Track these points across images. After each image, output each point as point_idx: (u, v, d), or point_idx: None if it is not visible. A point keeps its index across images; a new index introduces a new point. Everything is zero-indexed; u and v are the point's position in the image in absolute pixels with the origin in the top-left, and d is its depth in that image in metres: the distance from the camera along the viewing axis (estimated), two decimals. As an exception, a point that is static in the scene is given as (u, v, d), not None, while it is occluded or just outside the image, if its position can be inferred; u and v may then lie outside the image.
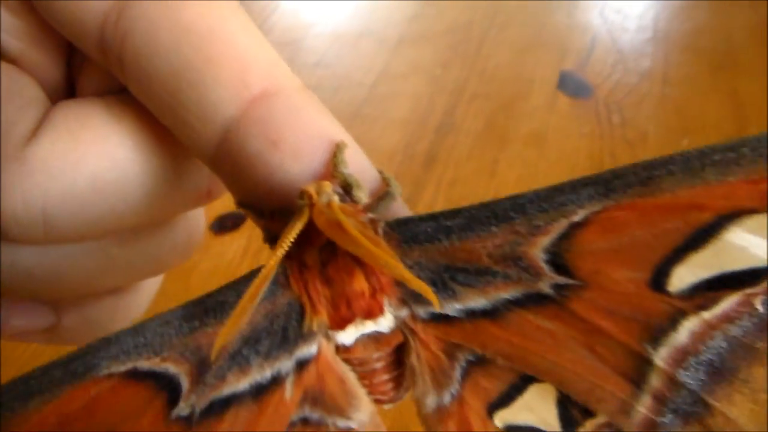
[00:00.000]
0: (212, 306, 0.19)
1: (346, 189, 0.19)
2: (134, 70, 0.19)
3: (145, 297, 0.27)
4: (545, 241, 0.18)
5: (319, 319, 0.19)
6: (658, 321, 0.19)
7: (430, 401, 0.21)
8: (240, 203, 0.21)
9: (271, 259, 0.17)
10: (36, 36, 0.21)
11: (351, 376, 0.21)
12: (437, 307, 0.18)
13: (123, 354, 0.18)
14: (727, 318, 0.19)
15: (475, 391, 0.21)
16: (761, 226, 0.18)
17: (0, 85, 0.20)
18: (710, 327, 0.19)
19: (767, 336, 0.19)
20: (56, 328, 0.25)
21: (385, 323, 0.20)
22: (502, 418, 0.22)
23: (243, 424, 0.19)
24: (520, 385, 0.21)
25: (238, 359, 0.19)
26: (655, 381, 0.20)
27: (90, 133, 0.20)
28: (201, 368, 0.19)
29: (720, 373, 0.20)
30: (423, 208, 0.69)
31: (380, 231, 0.19)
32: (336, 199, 0.17)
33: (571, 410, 0.22)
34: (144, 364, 0.18)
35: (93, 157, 0.20)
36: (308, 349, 0.20)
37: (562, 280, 0.19)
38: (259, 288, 0.17)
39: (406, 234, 0.19)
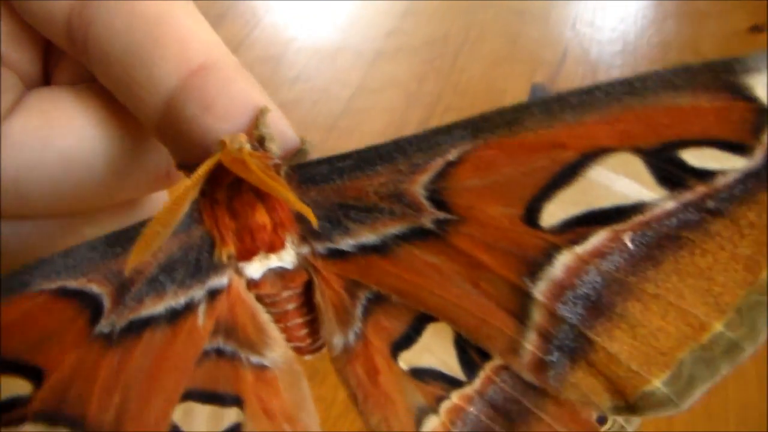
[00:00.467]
0: (135, 235, 0.20)
1: (261, 142, 0.21)
2: (96, 54, 0.22)
3: None
4: (424, 178, 0.20)
5: (228, 250, 0.21)
6: (534, 255, 0.21)
7: (337, 341, 0.23)
8: (179, 165, 0.23)
9: (182, 189, 0.18)
10: (15, 36, 0.23)
11: (263, 313, 0.23)
12: (314, 224, 0.20)
13: (54, 273, 0.20)
14: (599, 253, 0.21)
15: (377, 330, 0.23)
16: (622, 164, 0.20)
17: None
18: (583, 261, 0.21)
19: (638, 271, 0.21)
20: None
21: (287, 258, 0.21)
22: (406, 360, 0.23)
23: (158, 345, 0.21)
24: (419, 325, 0.23)
25: (155, 285, 0.21)
26: (537, 316, 0.21)
27: (59, 113, 0.23)
28: (122, 291, 0.21)
29: (597, 307, 0.21)
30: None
31: (282, 173, 0.21)
32: (247, 146, 0.19)
33: (469, 352, 0.23)
34: (72, 283, 0.20)
35: (61, 135, 0.22)
36: (219, 280, 0.21)
37: (441, 215, 0.20)
38: (172, 213, 0.19)
39: (305, 175, 0.21)
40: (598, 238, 0.20)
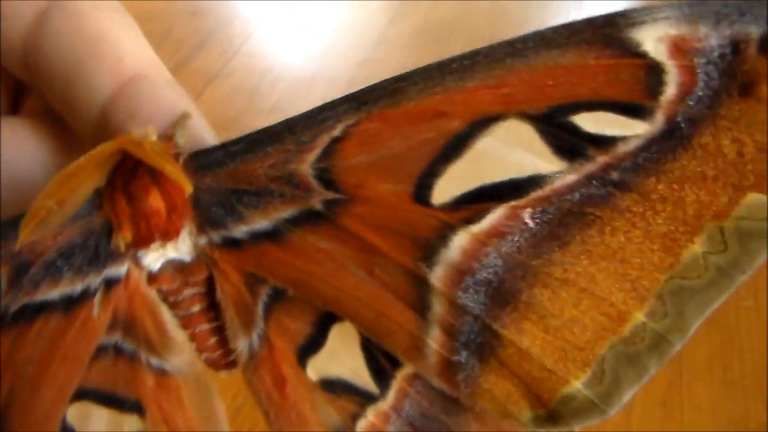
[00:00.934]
0: None
1: (171, 138, 0.21)
2: (45, 74, 0.23)
3: None
4: (311, 157, 0.19)
5: (125, 237, 0.20)
6: (428, 236, 0.19)
7: (242, 345, 0.22)
8: None
9: (74, 165, 0.19)
10: None
11: (167, 314, 0.22)
12: (187, 189, 0.19)
13: None
14: (497, 232, 0.19)
15: (280, 331, 0.21)
16: (512, 133, 0.19)
17: None
18: (480, 242, 0.19)
19: (542, 252, 0.19)
20: None
21: (184, 248, 0.21)
22: (315, 368, 0.22)
23: (52, 332, 0.20)
24: (323, 326, 0.21)
25: (52, 269, 0.20)
26: (437, 307, 0.20)
27: (14, 139, 0.24)
28: (19, 272, 0.20)
29: (501, 295, 0.19)
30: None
31: (180, 160, 0.21)
32: (154, 137, 0.20)
33: (377, 358, 0.22)
34: None
35: (14, 159, 0.23)
36: (117, 269, 0.21)
37: (329, 195, 0.19)
38: (61, 187, 0.19)
39: (201, 162, 0.21)
40: (495, 216, 0.19)
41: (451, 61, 0.19)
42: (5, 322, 0.20)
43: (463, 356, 0.20)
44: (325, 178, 0.19)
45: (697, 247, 0.19)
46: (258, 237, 0.20)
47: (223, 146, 0.21)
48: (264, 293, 0.21)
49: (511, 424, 0.21)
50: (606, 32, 0.18)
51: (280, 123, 0.20)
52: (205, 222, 0.21)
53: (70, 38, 0.22)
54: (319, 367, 0.22)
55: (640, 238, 0.19)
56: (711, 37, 0.17)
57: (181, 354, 0.22)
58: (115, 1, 0.24)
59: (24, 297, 0.20)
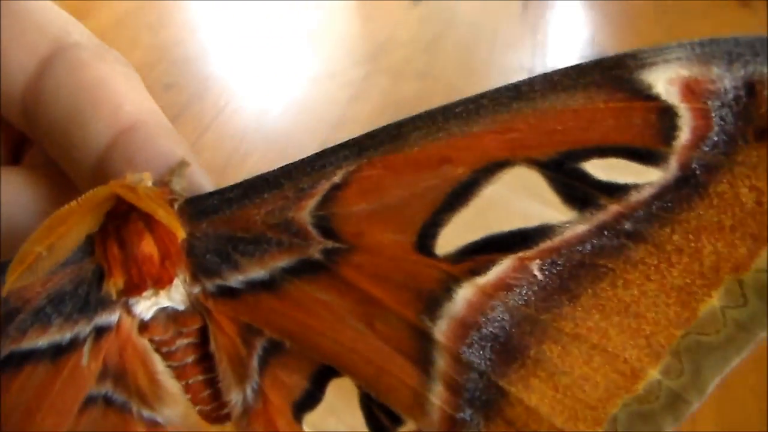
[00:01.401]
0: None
1: (167, 184, 0.21)
2: (44, 124, 0.23)
3: None
4: (311, 204, 0.19)
5: (116, 283, 0.20)
6: (431, 288, 0.18)
7: (235, 398, 0.21)
8: None
9: (65, 210, 0.18)
10: None
11: (160, 364, 0.21)
12: (179, 234, 0.18)
13: None
14: (504, 285, 0.18)
15: (276, 385, 0.20)
16: (520, 180, 0.18)
17: None
18: (487, 295, 0.18)
19: (552, 306, 0.18)
20: None
21: (177, 297, 0.20)
22: (311, 424, 0.21)
23: (39, 381, 0.19)
24: (321, 380, 0.20)
25: (40, 316, 0.19)
26: (441, 362, 0.19)
27: (9, 188, 0.24)
28: (6, 319, 0.19)
29: (508, 351, 0.19)
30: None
31: (175, 206, 0.20)
32: (149, 183, 0.19)
33: (377, 415, 0.21)
34: None
35: (8, 208, 0.23)
36: (108, 317, 0.20)
37: (329, 243, 0.19)
38: (51, 232, 0.18)
39: (197, 208, 0.20)
40: (502, 267, 0.18)
41: (455, 105, 0.18)
42: None
43: (467, 414, 0.19)
44: (325, 227, 0.19)
45: (715, 301, 0.18)
46: (254, 286, 0.19)
47: (219, 192, 0.20)
48: (259, 345, 0.20)
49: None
50: (615, 74, 0.17)
51: (278, 169, 0.19)
52: (199, 270, 0.20)
53: (71, 87, 0.22)
54: (316, 422, 0.21)
55: (655, 292, 0.18)
56: (725, 79, 0.16)
57: (174, 406, 0.21)
58: (116, 51, 0.24)
59: (11, 344, 0.19)
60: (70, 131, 0.22)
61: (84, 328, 0.20)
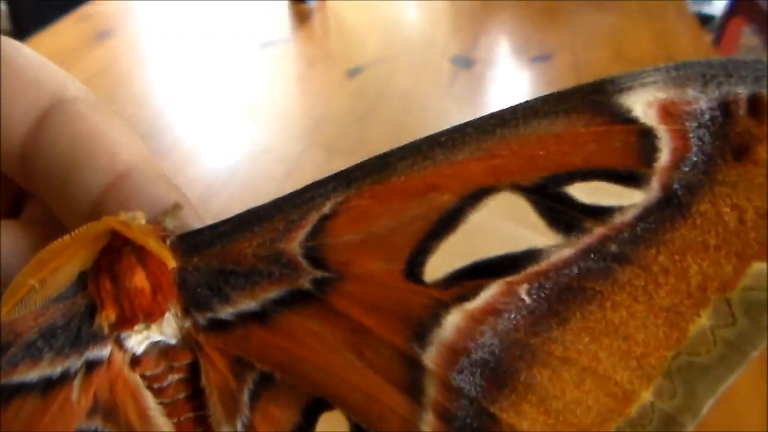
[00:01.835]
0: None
1: (160, 223, 0.21)
2: (41, 176, 0.23)
3: None
4: (300, 235, 0.19)
5: (108, 317, 0.20)
6: (420, 315, 0.19)
7: (226, 434, 0.21)
8: None
9: (57, 244, 0.18)
10: None
11: (151, 402, 0.21)
12: (169, 264, 0.19)
13: None
14: (492, 310, 0.18)
15: (267, 419, 0.20)
16: (505, 205, 0.18)
17: None
18: (476, 320, 0.18)
19: (541, 330, 0.18)
20: None
21: (169, 330, 0.20)
22: (304, 459, 0.21)
23: (28, 415, 0.19)
24: (311, 414, 0.20)
25: (32, 350, 0.19)
26: (431, 390, 0.19)
27: (8, 237, 0.24)
28: None
29: (499, 376, 0.18)
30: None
31: (167, 242, 0.20)
32: (142, 221, 0.19)
33: None
34: None
35: (6, 254, 0.24)
36: (99, 351, 0.20)
37: (318, 273, 0.19)
38: (43, 266, 0.18)
39: (189, 243, 0.20)
40: (490, 292, 0.18)
41: (440, 134, 0.18)
42: None
43: None
44: (314, 257, 0.19)
45: (704, 320, 0.18)
46: (245, 319, 0.20)
47: (211, 227, 0.20)
48: (250, 379, 0.20)
49: None
50: (595, 99, 0.17)
51: (269, 203, 0.20)
52: (190, 303, 0.20)
53: (68, 137, 0.23)
54: (309, 458, 0.21)
55: (644, 313, 0.18)
56: (700, 100, 0.17)
57: None
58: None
59: (1, 377, 0.19)
60: (68, 179, 0.23)
61: (75, 362, 0.20)
